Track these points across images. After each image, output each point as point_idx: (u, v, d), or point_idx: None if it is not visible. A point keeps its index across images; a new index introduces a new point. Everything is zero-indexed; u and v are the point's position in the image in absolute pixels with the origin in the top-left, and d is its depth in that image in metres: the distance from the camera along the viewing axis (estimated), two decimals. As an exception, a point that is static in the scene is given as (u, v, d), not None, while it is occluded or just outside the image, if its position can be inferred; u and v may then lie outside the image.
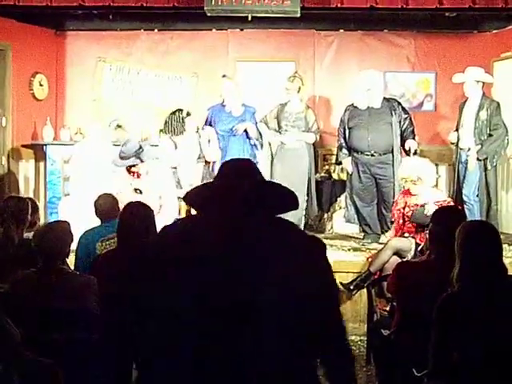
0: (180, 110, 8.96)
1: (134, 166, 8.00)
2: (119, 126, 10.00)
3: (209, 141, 8.93)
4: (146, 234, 5.18)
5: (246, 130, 8.95)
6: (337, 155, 9.14)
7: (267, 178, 8.87)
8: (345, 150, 8.90)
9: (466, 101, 8.88)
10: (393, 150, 8.63)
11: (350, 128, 8.81)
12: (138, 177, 7.99)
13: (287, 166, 8.89)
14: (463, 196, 8.73)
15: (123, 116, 10.46)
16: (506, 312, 3.87)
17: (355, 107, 8.83)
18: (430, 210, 7.00)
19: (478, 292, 3.89)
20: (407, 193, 7.72)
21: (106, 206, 6.45)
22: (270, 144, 9.32)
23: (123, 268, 4.94)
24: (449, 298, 3.95)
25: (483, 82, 8.78)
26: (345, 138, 8.88)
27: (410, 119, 8.77)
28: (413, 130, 8.71)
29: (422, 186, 7.52)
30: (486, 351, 3.81)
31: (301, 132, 9.04)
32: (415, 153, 8.54)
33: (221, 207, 2.83)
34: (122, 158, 7.95)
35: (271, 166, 9.22)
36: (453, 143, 8.96)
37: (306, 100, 9.36)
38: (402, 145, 8.66)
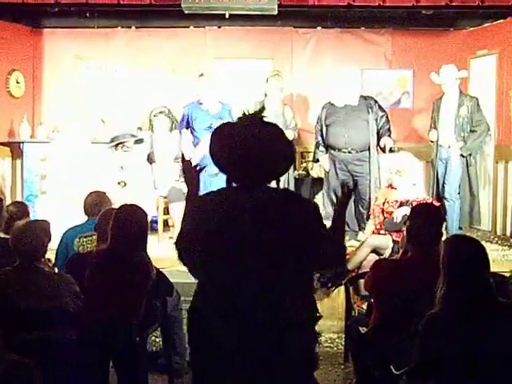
0: (160, 107, 8.96)
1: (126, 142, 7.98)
2: (102, 121, 10.09)
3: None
4: (141, 240, 5.15)
5: None
6: (314, 153, 9.15)
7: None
8: (322, 148, 8.92)
9: (441, 98, 8.91)
10: (369, 147, 8.66)
11: (327, 125, 8.82)
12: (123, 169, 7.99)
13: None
14: (445, 193, 8.75)
15: (102, 113, 10.51)
16: (490, 334, 3.82)
17: (332, 105, 8.85)
18: (399, 216, 7.34)
19: (459, 314, 3.84)
20: (388, 188, 7.77)
21: (89, 203, 6.41)
22: None
23: (113, 270, 4.94)
24: (431, 318, 3.91)
25: (460, 79, 8.83)
26: (322, 136, 8.89)
27: (387, 117, 8.80)
28: (389, 127, 8.75)
29: (405, 179, 7.57)
30: (466, 371, 3.79)
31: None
32: (391, 150, 8.59)
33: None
34: (113, 140, 7.93)
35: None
36: (433, 141, 8.96)
37: (282, 97, 9.34)
38: (378, 142, 8.69)
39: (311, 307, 3.59)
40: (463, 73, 8.89)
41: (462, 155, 8.65)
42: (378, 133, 8.69)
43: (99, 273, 4.98)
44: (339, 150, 8.76)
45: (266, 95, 9.19)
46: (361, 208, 8.82)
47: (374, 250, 7.36)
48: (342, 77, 8.84)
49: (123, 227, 5.07)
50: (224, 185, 3.61)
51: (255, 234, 3.38)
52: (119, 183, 7.88)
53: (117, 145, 8.32)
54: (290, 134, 8.96)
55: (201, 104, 9.05)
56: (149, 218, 7.88)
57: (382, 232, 7.57)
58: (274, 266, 3.36)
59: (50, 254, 5.87)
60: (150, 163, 8.75)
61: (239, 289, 3.35)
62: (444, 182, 8.81)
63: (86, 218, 6.41)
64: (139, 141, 8.44)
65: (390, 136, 8.69)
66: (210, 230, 3.44)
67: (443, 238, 4.64)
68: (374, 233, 7.86)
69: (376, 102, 8.91)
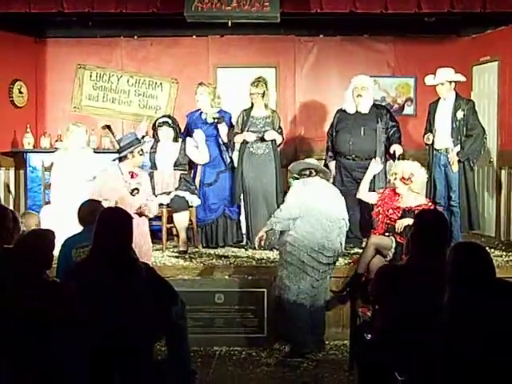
0: (165, 117, 8.96)
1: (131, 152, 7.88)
2: (108, 127, 10.04)
3: (196, 146, 8.85)
4: (123, 241, 5.14)
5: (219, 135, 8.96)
6: (325, 158, 9.11)
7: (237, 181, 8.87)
8: (330, 153, 8.98)
9: (437, 101, 8.84)
10: (375, 156, 8.63)
11: (337, 131, 8.87)
12: (133, 177, 7.93)
13: (256, 170, 8.80)
14: (451, 200, 8.69)
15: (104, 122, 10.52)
16: (497, 341, 3.81)
17: (344, 111, 8.88)
18: (401, 227, 7.40)
19: (464, 322, 3.82)
20: (390, 194, 7.71)
21: (84, 211, 6.32)
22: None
23: (99, 276, 4.94)
24: (436, 326, 3.89)
25: (455, 82, 8.74)
26: (332, 141, 8.92)
27: (398, 127, 8.82)
28: (399, 136, 8.77)
29: (410, 186, 7.54)
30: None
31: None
32: (399, 158, 8.56)
33: None
34: (119, 152, 7.85)
35: (240, 169, 9.03)
36: (428, 144, 8.89)
37: (267, 103, 9.10)
38: (387, 150, 8.68)
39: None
40: (458, 76, 8.78)
41: (459, 160, 8.59)
42: (387, 142, 8.70)
43: (84, 279, 5.01)
44: (344, 156, 8.79)
45: (252, 104, 9.12)
46: (366, 215, 8.79)
47: (378, 251, 7.34)
48: (356, 84, 8.78)
49: (103, 230, 5.19)
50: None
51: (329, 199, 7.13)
52: (133, 190, 7.77)
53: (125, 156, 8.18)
54: (279, 139, 8.91)
55: (201, 113, 9.04)
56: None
57: (386, 234, 7.54)
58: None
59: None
60: (152, 169, 8.74)
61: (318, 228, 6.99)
62: (448, 189, 8.72)
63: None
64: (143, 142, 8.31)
65: (400, 144, 8.68)
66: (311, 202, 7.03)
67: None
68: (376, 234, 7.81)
69: (388, 111, 8.96)
